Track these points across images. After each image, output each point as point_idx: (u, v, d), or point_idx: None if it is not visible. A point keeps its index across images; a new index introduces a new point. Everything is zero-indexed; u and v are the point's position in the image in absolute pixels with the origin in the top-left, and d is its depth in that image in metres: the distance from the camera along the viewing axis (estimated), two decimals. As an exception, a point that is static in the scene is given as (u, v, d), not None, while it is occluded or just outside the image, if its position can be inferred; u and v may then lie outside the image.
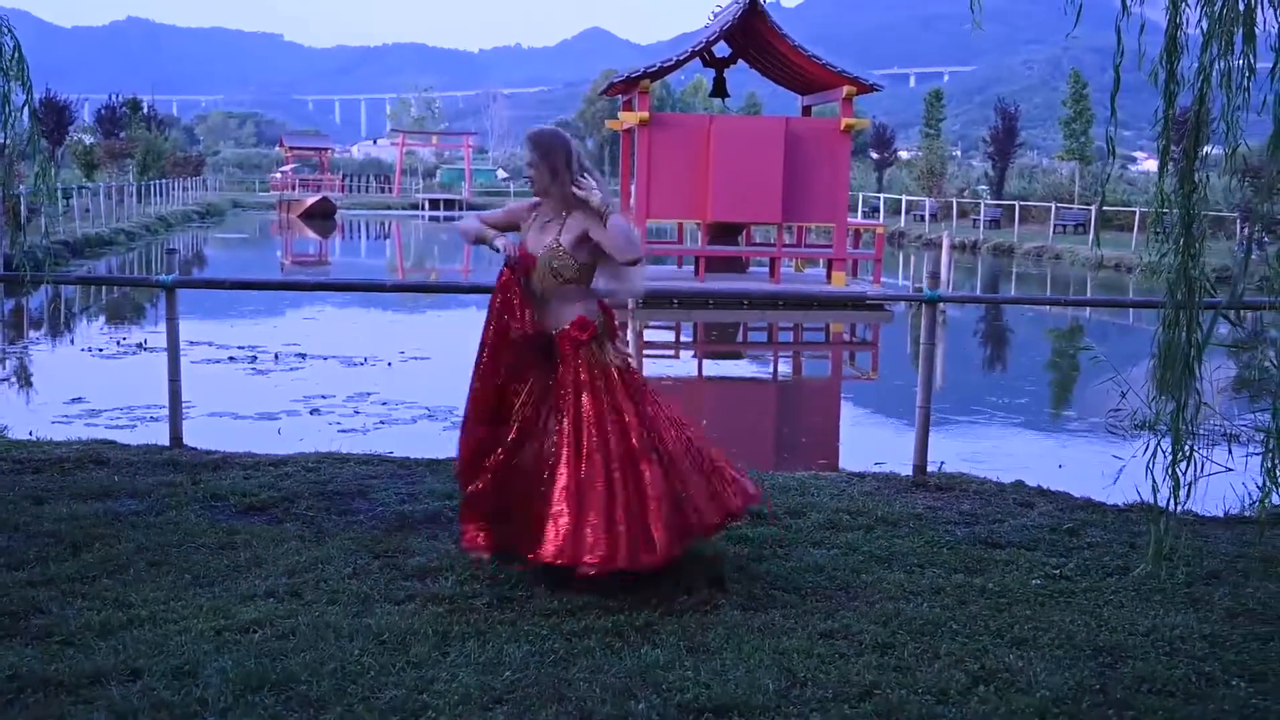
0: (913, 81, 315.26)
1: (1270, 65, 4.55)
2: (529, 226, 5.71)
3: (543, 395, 5.54)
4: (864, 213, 53.26)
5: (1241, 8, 4.68)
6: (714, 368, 18.68)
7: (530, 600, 5.28)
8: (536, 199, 5.73)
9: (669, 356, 20.13)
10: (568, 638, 4.86)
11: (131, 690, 4.27)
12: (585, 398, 5.44)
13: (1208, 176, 4.82)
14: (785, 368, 19.69)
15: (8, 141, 6.72)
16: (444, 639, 4.82)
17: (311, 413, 12.18)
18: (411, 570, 5.66)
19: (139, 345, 16.64)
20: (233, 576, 5.53)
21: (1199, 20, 4.88)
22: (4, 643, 4.67)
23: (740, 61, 28.79)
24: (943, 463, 8.61)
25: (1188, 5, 4.90)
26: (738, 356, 20.34)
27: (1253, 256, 5.10)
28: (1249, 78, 4.70)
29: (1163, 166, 5.10)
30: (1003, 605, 5.39)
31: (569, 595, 5.29)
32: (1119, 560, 6.15)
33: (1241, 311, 5.40)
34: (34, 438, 9.05)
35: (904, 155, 76.23)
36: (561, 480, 5.35)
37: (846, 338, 22.71)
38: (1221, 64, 4.77)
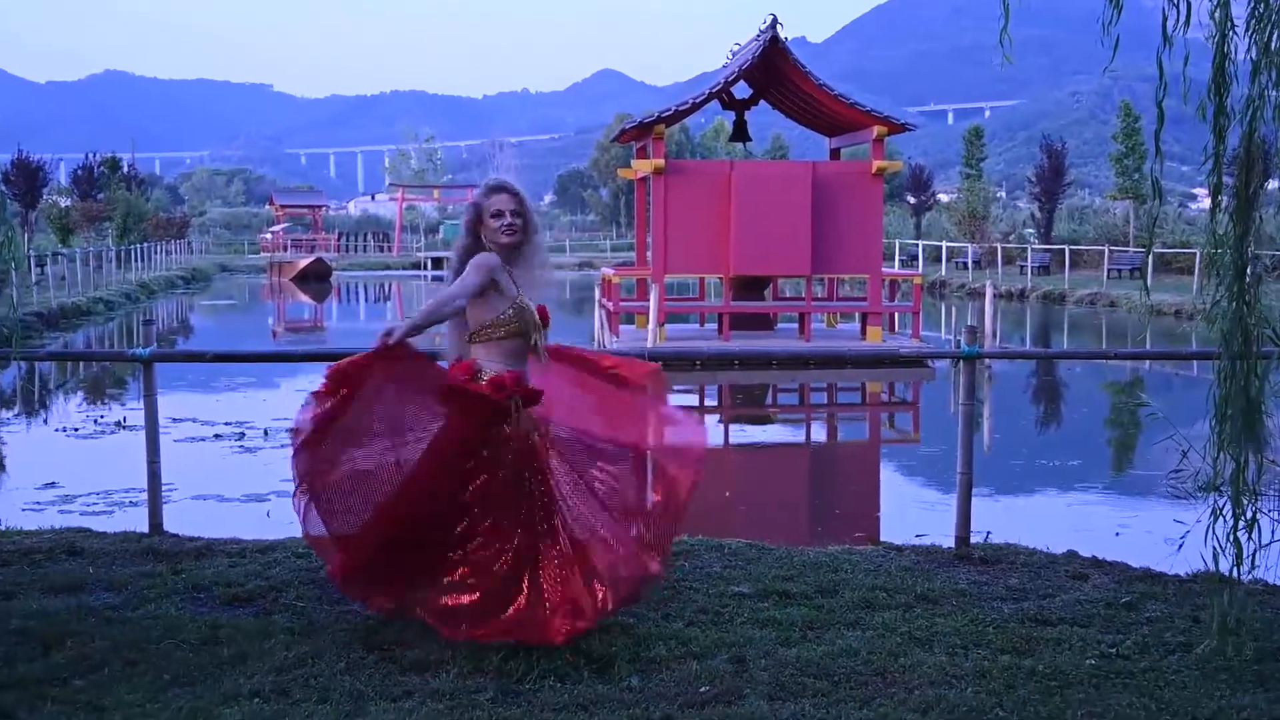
0: (951, 118, 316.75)
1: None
2: (510, 282, 5.90)
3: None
4: (901, 261, 53.33)
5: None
6: (741, 434, 18.65)
7: (538, 694, 5.27)
8: (493, 254, 5.88)
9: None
10: (578, 734, 4.84)
11: (104, 802, 4.26)
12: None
13: (1260, 217, 4.81)
14: (819, 432, 19.67)
15: (-28, 207, 6.74)
16: (444, 738, 4.80)
17: (304, 493, 12.17)
18: (409, 664, 5.64)
19: (118, 424, 16.71)
20: (215, 675, 5.52)
21: (1248, 49, 4.90)
22: (-33, 752, 4.67)
23: (762, 102, 28.94)
24: (989, 532, 8.57)
25: (1235, 33, 4.92)
26: (767, 421, 20.31)
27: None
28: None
29: (1214, 205, 5.09)
30: (1054, 689, 5.35)
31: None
32: (1181, 636, 6.10)
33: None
34: (3, 527, 9.08)
35: (943, 198, 76.35)
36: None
37: (885, 398, 22.68)
38: (1275, 94, 4.79)
